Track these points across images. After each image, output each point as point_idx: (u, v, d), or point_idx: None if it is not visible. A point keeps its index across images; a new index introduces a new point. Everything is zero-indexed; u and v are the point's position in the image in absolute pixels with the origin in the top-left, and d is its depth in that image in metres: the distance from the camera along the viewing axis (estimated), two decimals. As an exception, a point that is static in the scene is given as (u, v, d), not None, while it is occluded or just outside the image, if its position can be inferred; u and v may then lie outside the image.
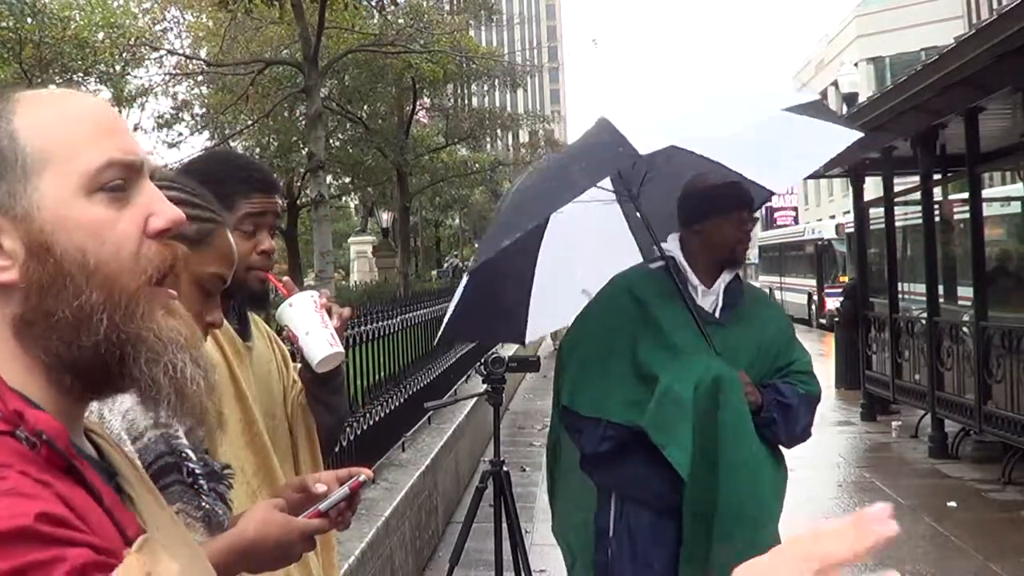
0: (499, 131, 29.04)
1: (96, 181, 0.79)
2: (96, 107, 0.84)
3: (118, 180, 0.80)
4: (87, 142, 0.80)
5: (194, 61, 19.39)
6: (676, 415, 2.68)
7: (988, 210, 9.53)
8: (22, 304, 0.77)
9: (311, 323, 1.81)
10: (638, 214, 3.10)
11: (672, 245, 2.94)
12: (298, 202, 25.72)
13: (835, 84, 35.53)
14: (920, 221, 9.40)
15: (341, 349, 1.84)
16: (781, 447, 2.88)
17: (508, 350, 12.29)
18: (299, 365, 1.95)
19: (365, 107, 23.47)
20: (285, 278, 1.91)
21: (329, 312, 1.85)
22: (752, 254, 48.12)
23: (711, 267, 2.87)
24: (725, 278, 2.87)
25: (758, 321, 2.90)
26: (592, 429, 2.82)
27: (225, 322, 1.64)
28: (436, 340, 3.57)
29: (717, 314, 2.86)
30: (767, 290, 28.99)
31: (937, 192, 9.59)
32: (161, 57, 18.89)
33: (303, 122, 19.01)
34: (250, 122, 20.59)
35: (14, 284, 0.76)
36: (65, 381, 0.79)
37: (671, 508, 2.69)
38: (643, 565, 2.78)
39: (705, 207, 2.82)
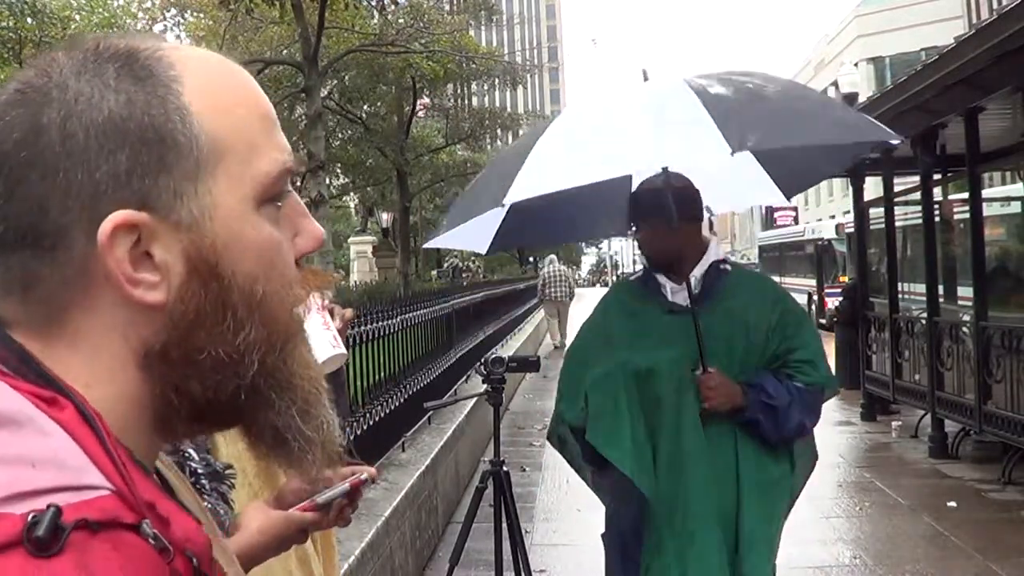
0: (499, 131, 29.04)
1: (269, 192, 0.63)
2: (258, 88, 0.66)
3: (283, 191, 0.65)
4: (263, 137, 0.64)
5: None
6: (611, 420, 2.79)
7: (988, 210, 9.53)
8: (164, 333, 0.60)
9: (313, 325, 1.80)
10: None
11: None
12: (298, 202, 25.68)
13: (835, 84, 35.51)
14: (920, 221, 9.40)
15: (344, 351, 1.84)
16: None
17: (508, 350, 12.28)
18: None
19: (365, 107, 23.48)
20: None
21: (331, 314, 1.85)
22: (752, 254, 48.03)
23: (674, 265, 2.91)
24: (697, 272, 2.89)
25: (740, 306, 2.86)
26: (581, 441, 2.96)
27: None
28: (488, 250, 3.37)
29: (686, 303, 2.88)
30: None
31: (937, 192, 9.59)
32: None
33: (303, 122, 18.99)
34: (250, 122, 20.57)
35: (161, 307, 0.60)
36: (178, 426, 0.64)
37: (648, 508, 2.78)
38: (630, 561, 2.86)
39: (632, 213, 2.94)
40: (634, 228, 2.95)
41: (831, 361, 11.69)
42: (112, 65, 0.60)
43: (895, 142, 2.89)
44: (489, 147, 32.29)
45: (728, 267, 2.95)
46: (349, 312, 1.91)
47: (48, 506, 0.51)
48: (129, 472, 0.56)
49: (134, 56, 0.61)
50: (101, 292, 0.60)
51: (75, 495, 0.52)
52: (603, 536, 3.02)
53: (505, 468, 3.89)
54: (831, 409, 10.91)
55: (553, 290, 18.05)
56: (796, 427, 2.82)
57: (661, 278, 2.93)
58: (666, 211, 2.78)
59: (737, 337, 2.82)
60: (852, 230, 12.77)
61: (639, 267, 3.10)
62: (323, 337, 1.80)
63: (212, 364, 0.61)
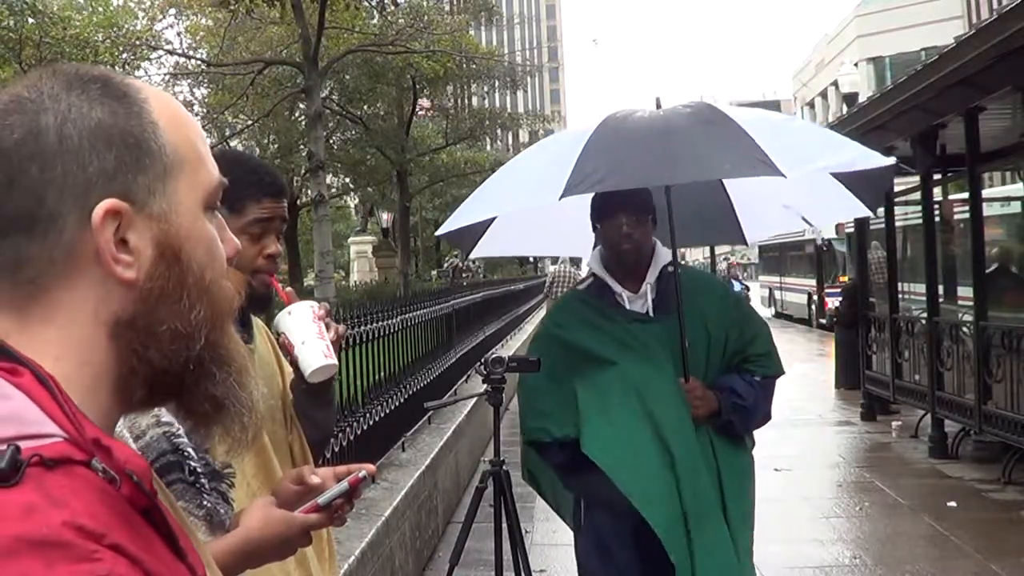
0: (499, 131, 29.04)
1: (212, 198, 0.77)
2: (192, 117, 0.82)
3: (216, 202, 0.79)
4: (206, 156, 0.78)
5: (194, 61, 19.40)
6: (615, 441, 2.81)
7: (988, 210, 9.53)
8: (134, 307, 0.72)
9: (308, 333, 1.81)
10: (666, 203, 3.05)
11: (593, 258, 3.07)
12: (298, 202, 25.71)
13: (835, 84, 35.54)
14: (920, 221, 9.40)
15: (335, 362, 1.83)
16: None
17: (508, 350, 12.27)
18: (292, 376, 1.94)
19: (365, 107, 23.47)
20: (288, 288, 1.90)
21: (327, 325, 1.85)
22: (752, 254, 47.96)
23: (629, 270, 2.94)
24: (650, 278, 2.93)
25: (697, 308, 2.92)
26: (548, 447, 2.99)
27: None
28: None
29: (650, 312, 2.93)
30: (767, 290, 28.93)
31: (937, 192, 9.58)
32: (160, 57, 18.91)
33: (303, 122, 19.02)
34: (250, 122, 20.59)
35: (133, 284, 0.71)
36: (136, 392, 0.75)
37: (628, 509, 2.78)
38: (607, 560, 2.92)
39: (594, 212, 2.96)
40: (598, 227, 2.95)
41: (832, 361, 11.69)
42: (94, 85, 0.73)
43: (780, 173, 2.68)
44: (489, 147, 32.30)
45: (673, 268, 2.99)
46: (342, 327, 1.92)
47: (8, 446, 0.61)
48: (79, 420, 0.65)
49: (110, 80, 0.75)
50: (84, 271, 0.70)
51: (34, 442, 0.62)
52: (576, 537, 3.06)
53: (505, 468, 3.89)
54: (831, 409, 10.91)
55: (559, 289, 18.08)
56: (762, 418, 3.01)
57: (616, 287, 2.94)
58: (627, 203, 2.85)
59: (700, 339, 2.90)
60: (852, 230, 12.77)
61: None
62: (317, 346, 1.80)
63: (170, 336, 0.73)
